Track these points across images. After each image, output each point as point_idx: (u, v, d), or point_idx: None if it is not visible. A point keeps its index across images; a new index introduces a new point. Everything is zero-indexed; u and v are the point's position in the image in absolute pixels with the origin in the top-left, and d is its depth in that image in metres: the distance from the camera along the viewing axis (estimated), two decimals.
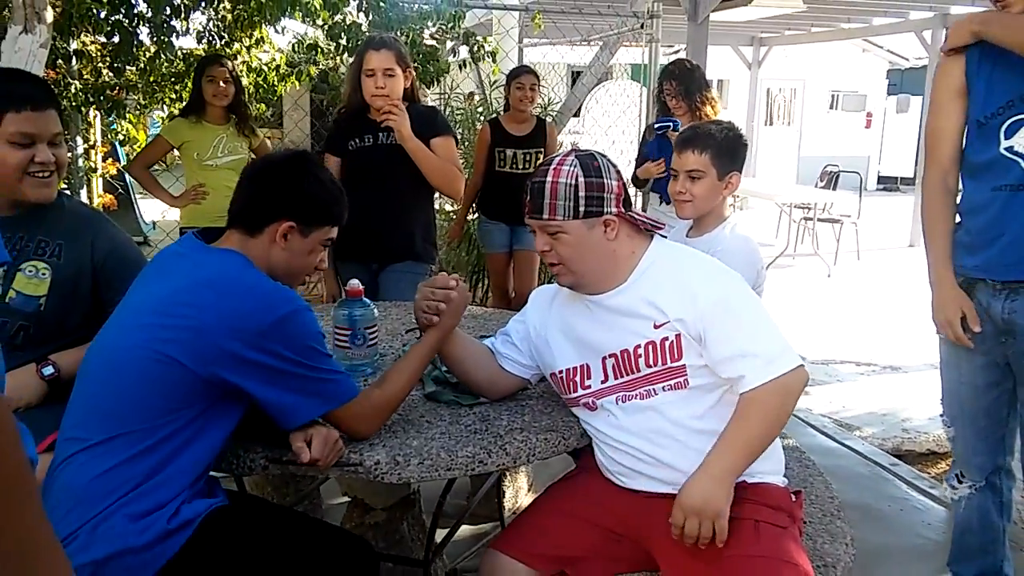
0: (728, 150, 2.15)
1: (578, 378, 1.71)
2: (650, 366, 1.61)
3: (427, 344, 1.71)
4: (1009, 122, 1.98)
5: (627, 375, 1.64)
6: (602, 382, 1.67)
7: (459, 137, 6.34)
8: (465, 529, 2.75)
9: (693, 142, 2.15)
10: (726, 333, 1.54)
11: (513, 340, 1.83)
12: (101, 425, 1.43)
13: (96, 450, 1.41)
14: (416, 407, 1.83)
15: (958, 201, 2.14)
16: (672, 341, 1.58)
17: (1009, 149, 1.97)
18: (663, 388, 1.60)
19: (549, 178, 1.61)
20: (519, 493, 2.93)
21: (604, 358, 1.66)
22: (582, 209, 1.60)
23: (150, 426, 1.41)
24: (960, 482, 2.32)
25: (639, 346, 1.61)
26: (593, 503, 1.71)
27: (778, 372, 1.51)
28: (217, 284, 1.48)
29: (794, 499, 1.68)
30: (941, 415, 2.33)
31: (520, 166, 4.27)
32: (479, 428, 1.72)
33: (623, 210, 1.64)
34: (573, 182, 1.60)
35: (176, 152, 3.87)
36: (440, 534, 2.22)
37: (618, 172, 1.66)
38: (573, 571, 1.63)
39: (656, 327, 1.59)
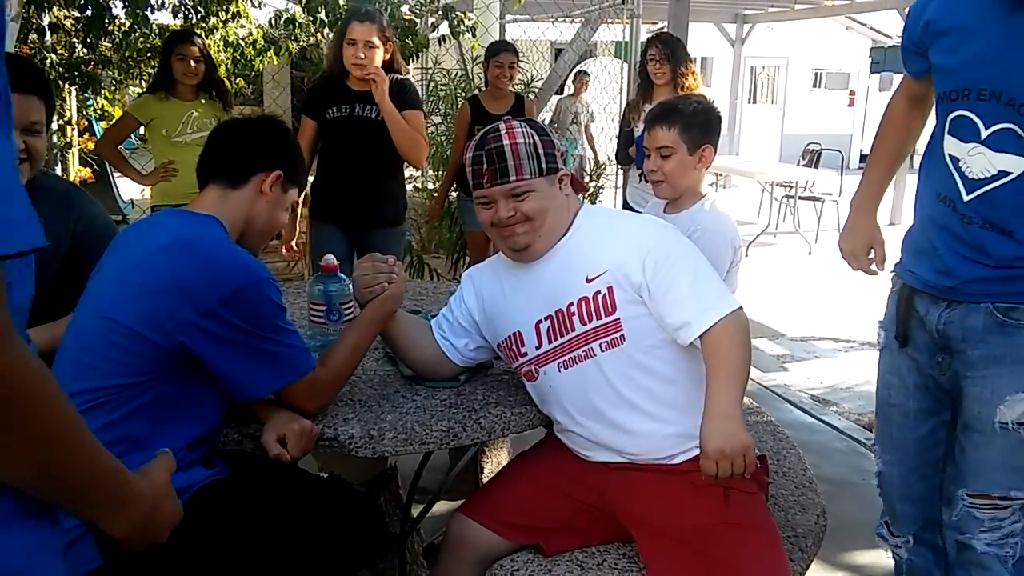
0: (697, 124, 2.13)
1: (515, 346, 1.70)
2: (585, 323, 1.59)
3: (369, 318, 1.66)
4: (954, 115, 1.59)
5: (563, 335, 1.62)
6: (536, 348, 1.66)
7: (443, 113, 6.32)
8: (443, 504, 2.75)
9: (660, 119, 2.14)
10: (672, 276, 1.54)
11: (465, 325, 1.78)
12: (77, 396, 1.40)
13: None
14: (392, 383, 1.83)
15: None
16: (604, 294, 1.57)
17: (952, 158, 1.59)
18: (600, 347, 1.59)
19: (506, 141, 1.60)
20: (498, 468, 2.93)
21: (538, 322, 1.65)
22: (544, 166, 1.62)
23: (123, 395, 1.39)
24: (892, 534, 1.95)
25: (571, 304, 1.60)
26: (563, 473, 1.71)
27: (724, 312, 1.51)
28: (173, 250, 1.45)
29: (759, 465, 1.69)
30: (872, 444, 2.03)
31: None
32: (454, 403, 1.72)
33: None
34: (532, 140, 1.61)
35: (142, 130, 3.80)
36: (417, 509, 2.23)
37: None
38: (546, 544, 1.63)
39: (588, 281, 1.59)
